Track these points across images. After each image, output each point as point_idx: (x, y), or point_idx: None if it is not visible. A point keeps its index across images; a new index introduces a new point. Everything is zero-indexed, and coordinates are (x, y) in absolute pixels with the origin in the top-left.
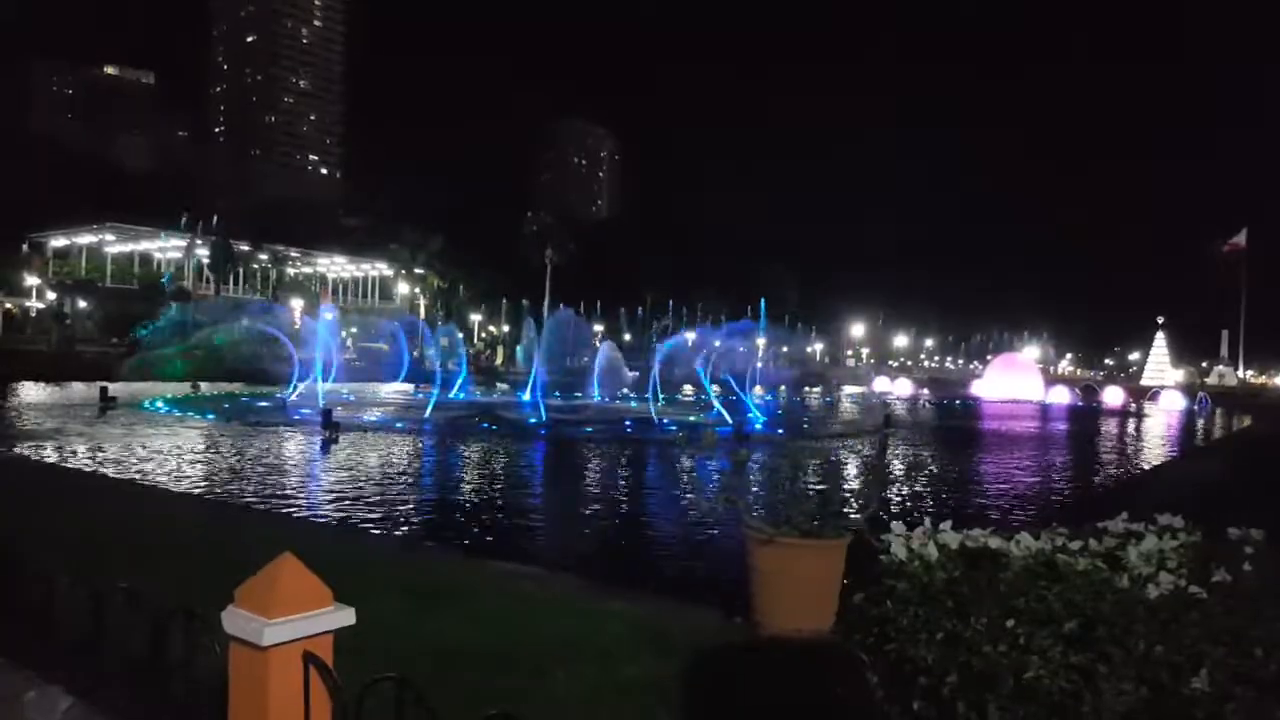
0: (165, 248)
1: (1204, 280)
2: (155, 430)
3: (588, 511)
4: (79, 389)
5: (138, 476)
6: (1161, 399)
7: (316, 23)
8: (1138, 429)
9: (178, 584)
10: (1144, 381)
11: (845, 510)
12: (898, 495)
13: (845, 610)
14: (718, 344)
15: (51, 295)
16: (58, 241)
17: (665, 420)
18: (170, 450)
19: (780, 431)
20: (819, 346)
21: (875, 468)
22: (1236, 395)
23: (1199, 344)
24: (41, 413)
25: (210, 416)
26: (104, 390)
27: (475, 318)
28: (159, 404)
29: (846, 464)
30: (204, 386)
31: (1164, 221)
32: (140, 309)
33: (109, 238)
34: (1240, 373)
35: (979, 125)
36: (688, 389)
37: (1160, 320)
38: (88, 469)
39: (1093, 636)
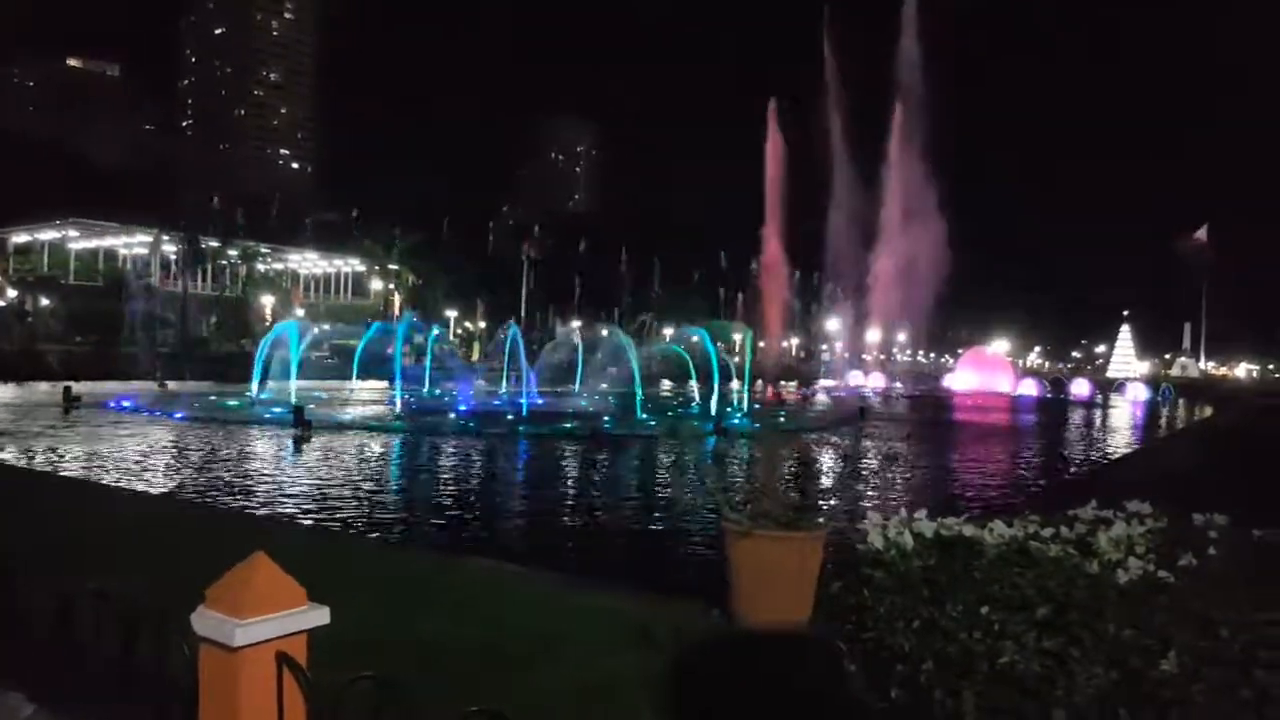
0: (131, 244)
1: (1167, 274)
2: (121, 430)
3: (567, 506)
4: (42, 389)
5: (103, 478)
6: (1127, 390)
7: (287, 15)
8: (1104, 420)
9: (146, 587)
10: (1110, 373)
11: (822, 501)
12: (873, 486)
13: (823, 600)
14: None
15: (12, 293)
16: (19, 237)
17: (644, 416)
18: (136, 450)
19: (757, 426)
20: (795, 341)
21: (850, 460)
22: (1198, 386)
23: (1162, 337)
24: (3, 413)
25: (178, 416)
26: (68, 390)
27: (451, 314)
28: (125, 403)
29: (822, 457)
30: (171, 385)
31: (1129, 216)
32: (106, 306)
33: (72, 233)
34: (1202, 364)
35: (948, 120)
36: (666, 384)
37: (1125, 314)
38: (50, 470)
39: (1065, 621)
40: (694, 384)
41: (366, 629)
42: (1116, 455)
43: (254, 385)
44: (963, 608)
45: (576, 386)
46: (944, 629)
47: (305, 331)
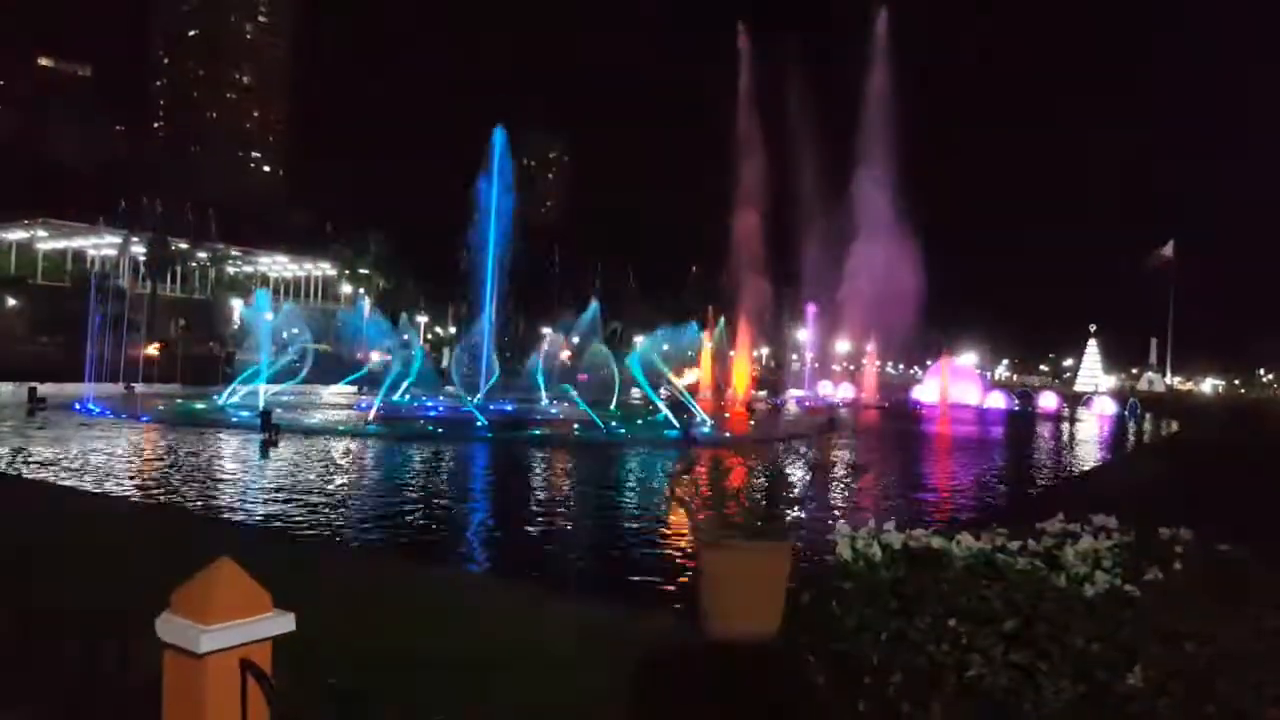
0: (100, 245)
1: (1135, 290)
2: (86, 433)
3: (535, 516)
4: (6, 389)
5: (65, 480)
6: (1094, 404)
7: (261, 18)
8: (1071, 433)
9: (108, 592)
10: (1077, 387)
11: (791, 512)
12: (842, 497)
13: (792, 611)
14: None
15: None
16: None
17: (612, 424)
18: (102, 453)
19: (727, 434)
20: (764, 351)
21: (818, 469)
22: (1164, 401)
23: (1129, 351)
24: None
25: (145, 418)
26: (33, 391)
27: (421, 319)
28: (91, 405)
29: (792, 466)
30: (138, 387)
31: (1098, 230)
32: (74, 307)
33: (41, 234)
34: (1168, 379)
35: (918, 130)
36: (635, 393)
37: (1093, 328)
38: (11, 474)
39: (1032, 634)
40: (660, 393)
41: (332, 637)
42: (1084, 469)
43: (233, 386)
44: (930, 620)
45: (544, 395)
46: (912, 641)
47: (278, 314)
